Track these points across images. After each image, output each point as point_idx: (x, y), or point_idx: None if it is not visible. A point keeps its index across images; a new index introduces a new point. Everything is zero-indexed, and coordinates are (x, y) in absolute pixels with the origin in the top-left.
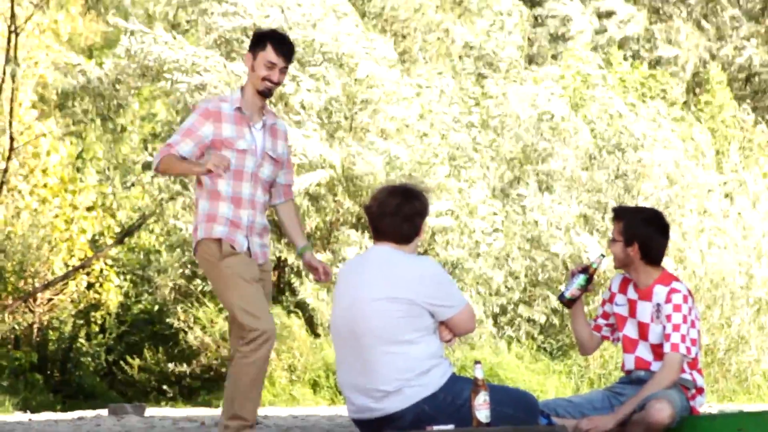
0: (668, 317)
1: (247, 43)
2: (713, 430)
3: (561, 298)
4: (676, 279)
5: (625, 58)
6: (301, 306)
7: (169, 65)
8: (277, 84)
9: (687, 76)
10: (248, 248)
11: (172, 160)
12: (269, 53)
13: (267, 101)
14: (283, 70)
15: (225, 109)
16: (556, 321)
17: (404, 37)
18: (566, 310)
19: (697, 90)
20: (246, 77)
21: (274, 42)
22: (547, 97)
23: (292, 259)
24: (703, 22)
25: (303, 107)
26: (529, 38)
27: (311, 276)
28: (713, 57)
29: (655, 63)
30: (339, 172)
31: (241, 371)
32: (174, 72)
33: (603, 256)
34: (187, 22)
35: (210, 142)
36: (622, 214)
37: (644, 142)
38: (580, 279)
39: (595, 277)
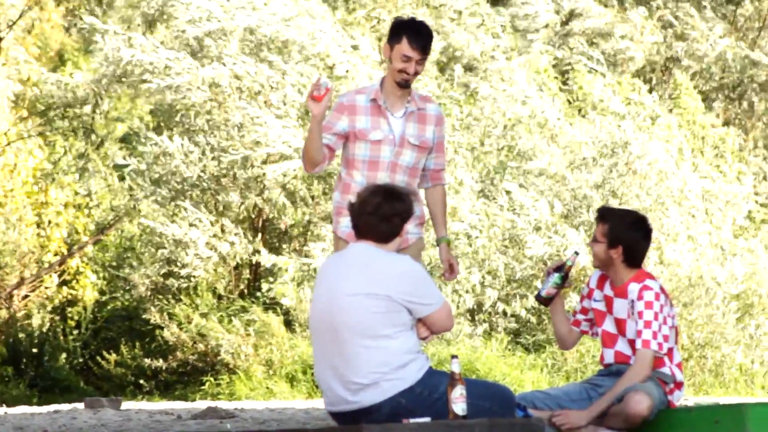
0: (640, 314)
1: (215, 46)
2: (690, 423)
3: (538, 297)
4: (650, 277)
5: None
6: (278, 303)
7: (143, 68)
8: (415, 75)
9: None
10: None
11: (305, 148)
12: (404, 46)
13: (411, 87)
14: (421, 62)
15: (360, 101)
16: (533, 319)
17: (380, 40)
18: (543, 307)
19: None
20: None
21: (409, 35)
22: (535, 93)
23: (260, 259)
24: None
25: (284, 103)
26: (493, 35)
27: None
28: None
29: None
30: None
31: None
32: (147, 74)
33: (577, 253)
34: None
35: (345, 133)
36: (607, 215)
37: (635, 142)
38: (555, 277)
39: (571, 273)
